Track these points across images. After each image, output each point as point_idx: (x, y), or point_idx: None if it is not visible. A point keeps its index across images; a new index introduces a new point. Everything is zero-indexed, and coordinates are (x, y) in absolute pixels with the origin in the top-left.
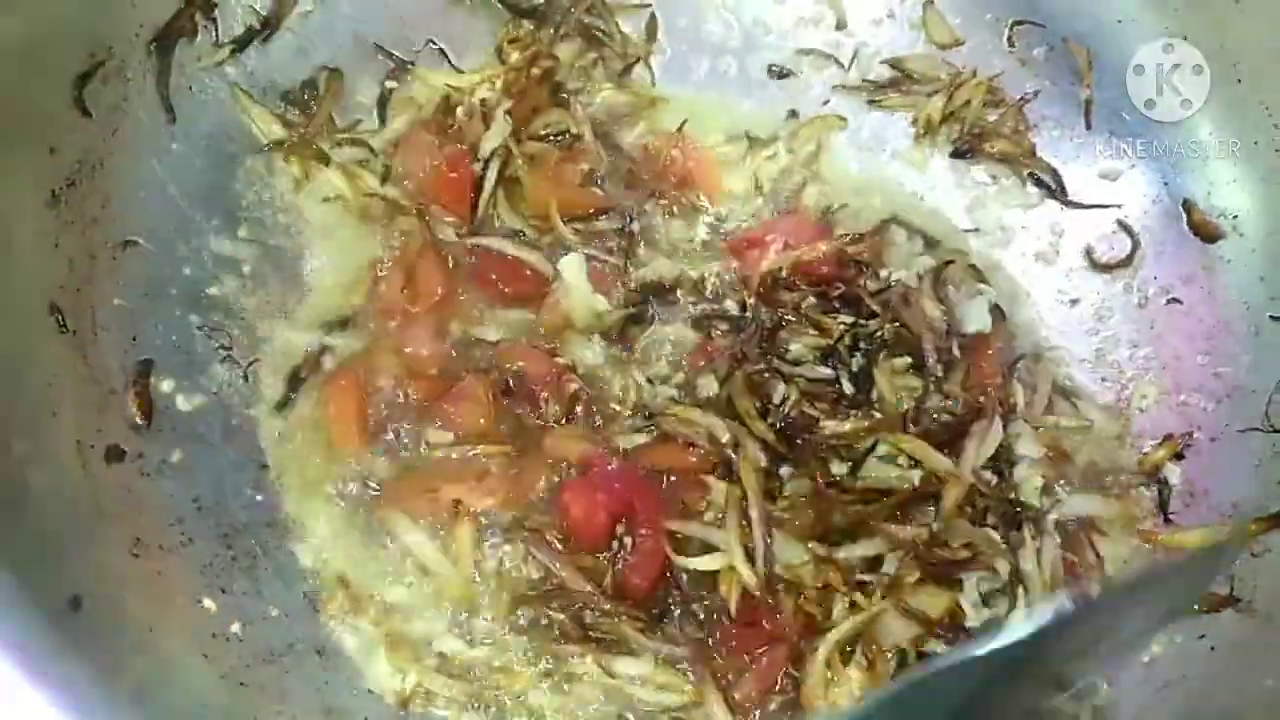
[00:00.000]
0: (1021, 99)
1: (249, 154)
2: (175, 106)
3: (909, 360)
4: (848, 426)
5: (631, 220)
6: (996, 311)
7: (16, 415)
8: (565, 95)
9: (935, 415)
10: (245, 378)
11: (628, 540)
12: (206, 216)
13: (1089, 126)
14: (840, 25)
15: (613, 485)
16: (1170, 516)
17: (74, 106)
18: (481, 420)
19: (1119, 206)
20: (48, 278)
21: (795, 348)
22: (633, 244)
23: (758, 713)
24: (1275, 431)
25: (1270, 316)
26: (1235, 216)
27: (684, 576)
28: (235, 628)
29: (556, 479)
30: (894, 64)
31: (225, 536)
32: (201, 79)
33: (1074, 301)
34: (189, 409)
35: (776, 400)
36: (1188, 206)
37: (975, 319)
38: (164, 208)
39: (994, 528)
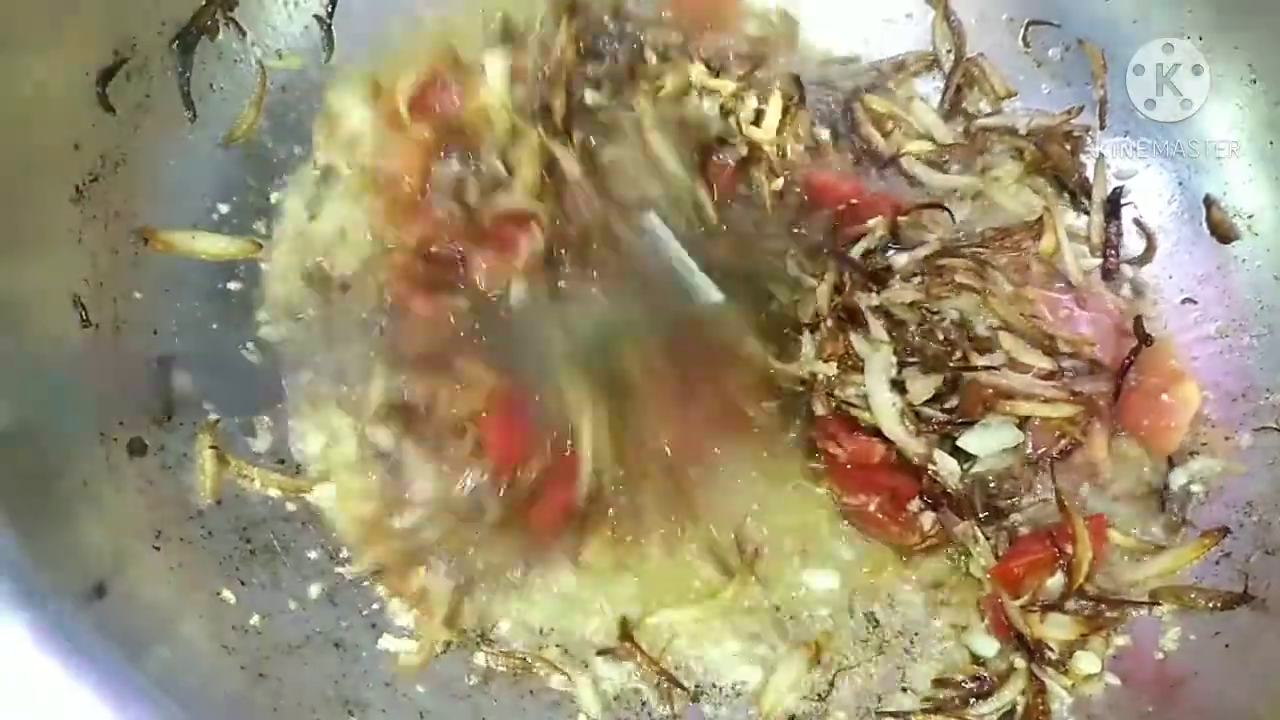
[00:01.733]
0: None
1: (270, 150)
2: (197, 103)
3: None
4: None
5: None
6: None
7: (42, 409)
8: None
9: None
10: (264, 369)
11: None
12: (224, 212)
13: (1102, 126)
14: None
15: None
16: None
17: (98, 103)
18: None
19: (1132, 204)
20: (71, 272)
21: None
22: None
23: None
24: None
25: None
26: (1250, 216)
27: None
28: (254, 620)
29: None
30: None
31: (244, 530)
32: (223, 77)
33: None
34: (209, 403)
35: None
36: (1209, 202)
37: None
38: (184, 203)
39: None
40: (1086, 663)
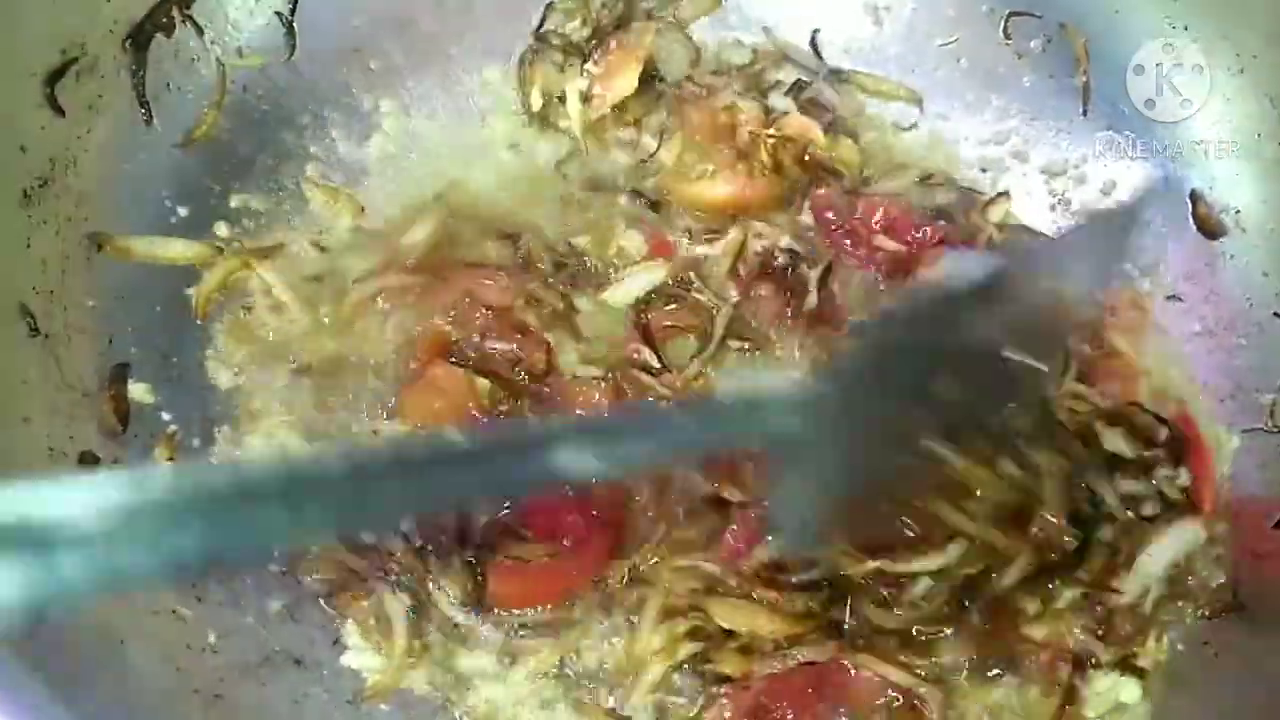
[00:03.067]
0: None
1: (232, 151)
2: (152, 104)
3: None
4: None
5: None
6: None
7: None
8: None
9: None
10: (224, 380)
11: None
12: (183, 215)
13: (1085, 113)
14: None
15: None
16: None
17: (46, 104)
18: None
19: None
20: (18, 279)
21: None
22: None
23: None
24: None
25: (1274, 314)
26: (1237, 211)
27: None
28: (211, 638)
29: None
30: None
31: None
32: (180, 76)
33: None
34: (166, 414)
35: None
36: (1195, 197)
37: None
38: (140, 207)
39: None
40: (1126, 693)
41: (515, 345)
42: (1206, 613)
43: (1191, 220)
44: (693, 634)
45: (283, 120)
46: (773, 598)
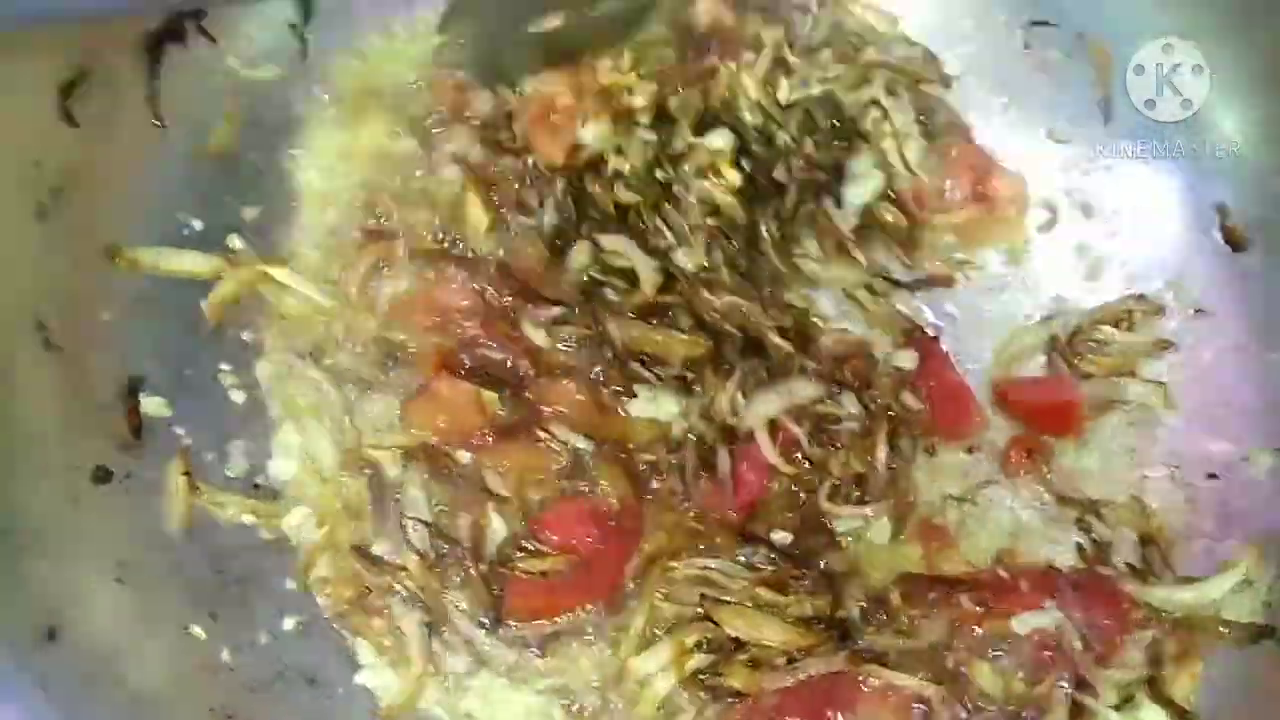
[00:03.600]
0: None
1: (245, 162)
2: (166, 115)
3: None
4: None
5: None
6: None
7: None
8: None
9: None
10: (239, 393)
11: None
12: (197, 227)
13: (1107, 122)
14: None
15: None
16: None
17: (60, 116)
18: None
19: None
20: (34, 293)
21: None
22: None
23: None
24: None
25: None
26: (1266, 223)
27: None
28: (225, 655)
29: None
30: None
31: (217, 559)
32: (194, 87)
33: None
34: (180, 428)
35: None
36: (1220, 208)
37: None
38: (154, 218)
39: None
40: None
41: (505, 352)
42: (1242, 638)
43: (1218, 232)
44: (701, 646)
45: (295, 132)
46: (780, 601)
